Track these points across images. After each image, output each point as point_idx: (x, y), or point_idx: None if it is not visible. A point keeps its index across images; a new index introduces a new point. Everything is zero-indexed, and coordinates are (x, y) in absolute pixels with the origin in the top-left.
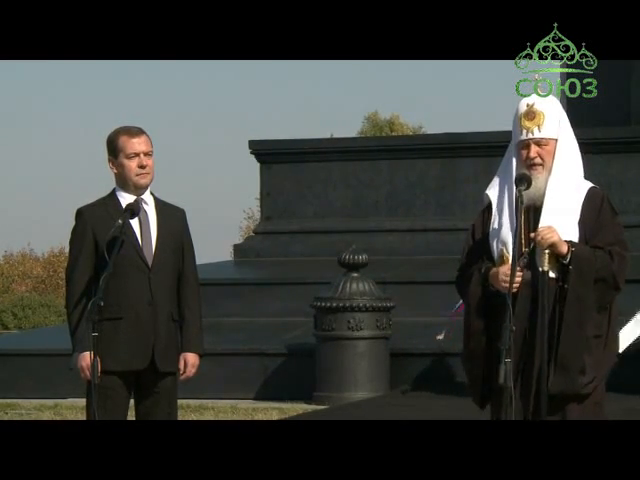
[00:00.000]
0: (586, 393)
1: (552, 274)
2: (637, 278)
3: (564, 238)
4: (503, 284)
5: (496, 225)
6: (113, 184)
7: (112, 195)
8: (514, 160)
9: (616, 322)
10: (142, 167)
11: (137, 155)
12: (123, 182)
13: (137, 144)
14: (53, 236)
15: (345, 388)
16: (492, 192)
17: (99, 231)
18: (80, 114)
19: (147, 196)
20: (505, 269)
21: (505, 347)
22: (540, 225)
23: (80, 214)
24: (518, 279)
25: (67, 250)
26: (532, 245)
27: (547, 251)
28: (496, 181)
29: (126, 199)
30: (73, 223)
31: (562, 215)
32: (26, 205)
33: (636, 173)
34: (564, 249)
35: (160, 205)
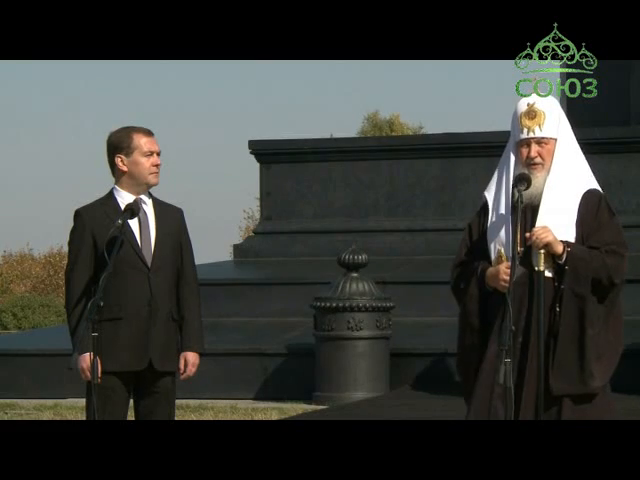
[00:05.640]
0: (592, 393)
1: (548, 273)
2: (637, 278)
3: (560, 238)
4: (503, 282)
5: (493, 225)
6: (112, 184)
7: (110, 195)
8: (512, 159)
9: (618, 321)
10: (156, 166)
11: (152, 154)
12: (131, 180)
13: (152, 143)
14: (52, 236)
15: (345, 388)
16: (489, 192)
17: (98, 231)
18: (80, 114)
19: (145, 196)
20: (505, 267)
21: (505, 347)
22: (536, 225)
23: (78, 215)
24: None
25: (66, 250)
26: (528, 244)
27: (542, 251)
28: (493, 181)
29: (125, 199)
30: (72, 224)
31: (559, 215)
32: (26, 205)
33: (636, 173)
34: (559, 249)
35: (158, 205)
